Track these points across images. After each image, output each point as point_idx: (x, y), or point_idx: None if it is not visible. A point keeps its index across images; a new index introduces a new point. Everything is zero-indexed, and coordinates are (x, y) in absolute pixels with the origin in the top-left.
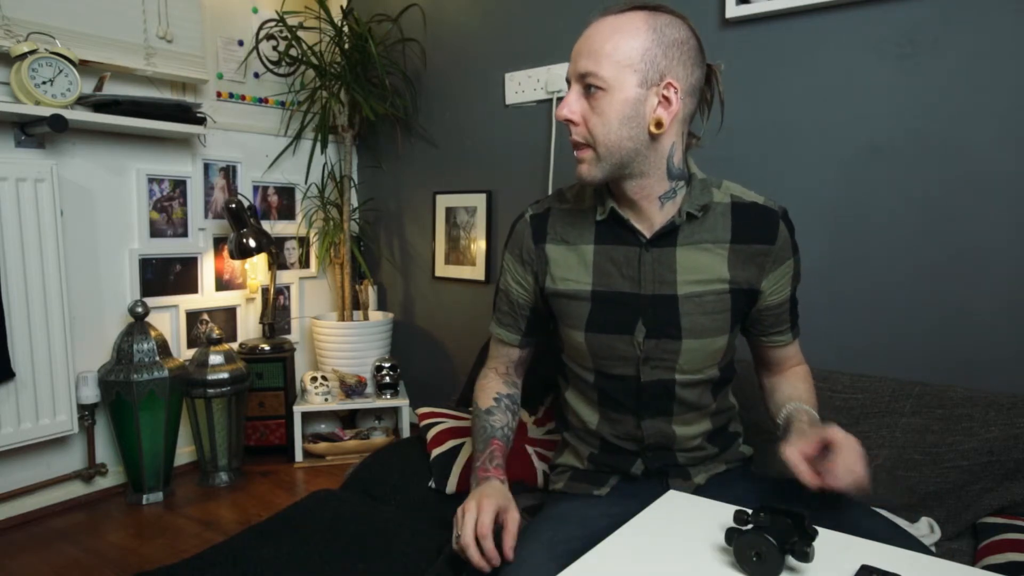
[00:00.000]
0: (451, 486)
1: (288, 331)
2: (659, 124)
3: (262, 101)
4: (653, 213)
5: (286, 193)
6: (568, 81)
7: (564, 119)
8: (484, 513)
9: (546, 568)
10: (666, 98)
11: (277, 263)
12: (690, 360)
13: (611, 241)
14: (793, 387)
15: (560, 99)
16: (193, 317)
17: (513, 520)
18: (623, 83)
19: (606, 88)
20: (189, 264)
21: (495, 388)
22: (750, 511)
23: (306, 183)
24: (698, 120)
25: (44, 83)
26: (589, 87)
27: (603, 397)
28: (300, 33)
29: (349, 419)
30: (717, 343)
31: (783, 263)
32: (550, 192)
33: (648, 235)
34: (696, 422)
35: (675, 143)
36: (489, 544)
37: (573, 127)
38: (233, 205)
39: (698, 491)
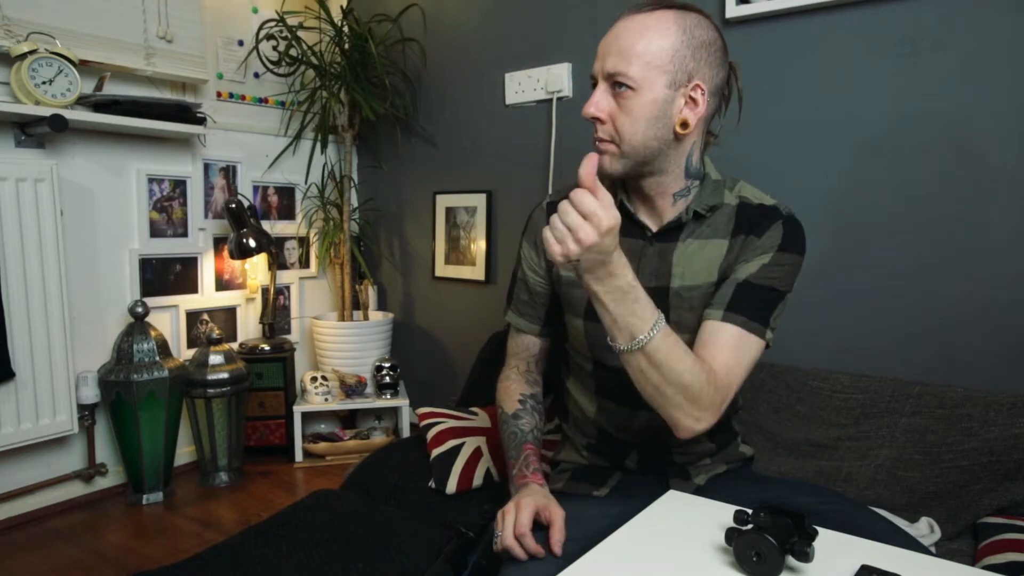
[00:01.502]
0: (451, 486)
1: (288, 331)
2: (684, 125)
3: (262, 101)
4: (664, 209)
5: (286, 193)
6: (593, 78)
7: (591, 117)
8: (522, 513)
9: (545, 568)
10: (692, 99)
11: (277, 263)
12: None
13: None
14: (678, 339)
15: (560, 99)
16: (193, 317)
17: (558, 515)
18: (652, 83)
19: (635, 88)
20: (189, 264)
21: (518, 389)
22: (750, 511)
23: (306, 183)
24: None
25: (44, 83)
26: (617, 85)
27: (599, 386)
28: (300, 33)
29: (349, 419)
30: None
31: (761, 253)
32: (550, 192)
33: (654, 229)
34: None
35: (695, 142)
36: (529, 541)
37: (599, 125)
38: (233, 205)
39: (698, 492)
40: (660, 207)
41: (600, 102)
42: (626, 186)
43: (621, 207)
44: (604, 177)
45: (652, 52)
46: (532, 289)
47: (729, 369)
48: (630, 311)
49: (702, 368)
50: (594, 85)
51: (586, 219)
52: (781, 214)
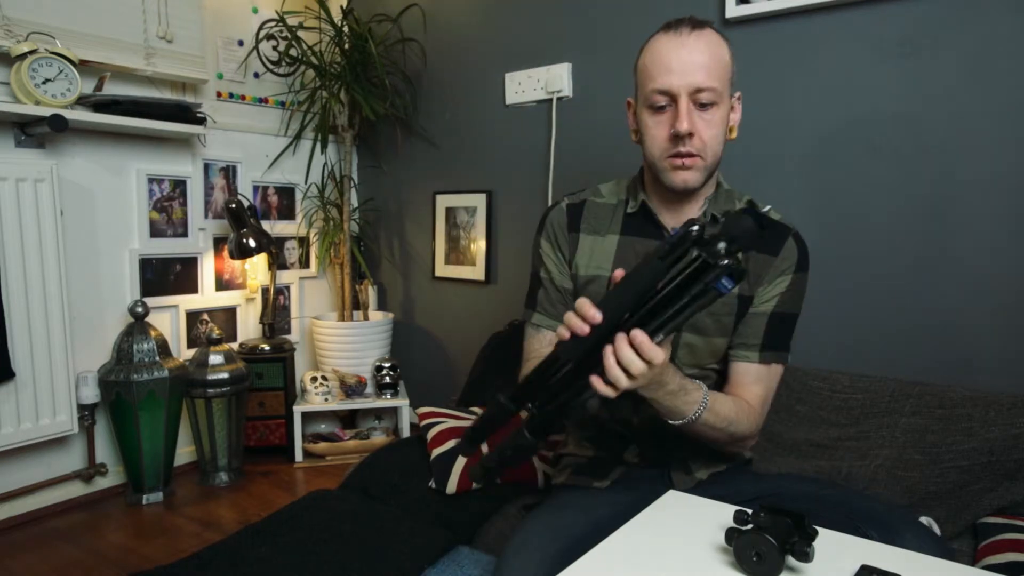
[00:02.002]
0: (451, 486)
1: (288, 331)
2: (731, 131)
3: (262, 101)
4: (690, 212)
5: (286, 193)
6: (668, 95)
7: (687, 132)
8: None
9: (547, 551)
10: (733, 108)
11: (277, 263)
12: (689, 353)
13: (636, 233)
14: (724, 397)
15: (560, 99)
16: (193, 317)
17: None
18: (725, 96)
19: (718, 102)
20: (189, 264)
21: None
22: (750, 511)
23: (306, 183)
24: None
25: (44, 83)
26: (702, 100)
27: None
28: (300, 33)
29: (349, 419)
30: (717, 343)
31: (780, 276)
32: (550, 192)
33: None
34: None
35: None
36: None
37: (689, 140)
38: (233, 205)
39: (699, 485)
40: (686, 209)
41: (692, 117)
42: (645, 186)
43: (642, 207)
44: (683, 191)
45: (724, 67)
46: (560, 286)
47: (765, 399)
48: (682, 402)
49: (742, 411)
50: (661, 106)
51: (646, 362)
52: (790, 230)
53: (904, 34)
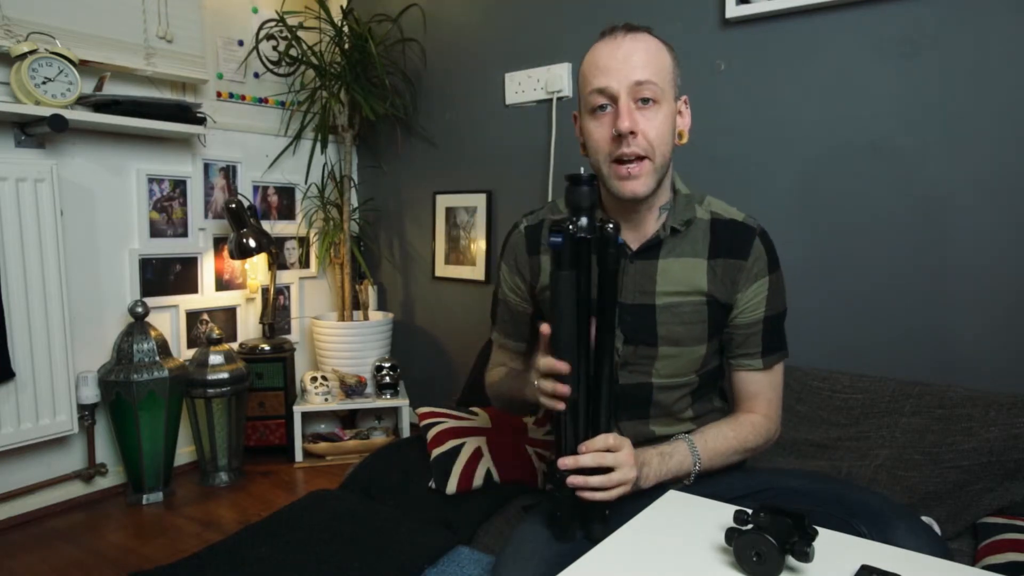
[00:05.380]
0: (451, 486)
1: (288, 331)
2: (681, 135)
3: (262, 101)
4: (648, 224)
5: (286, 193)
6: (609, 95)
7: (629, 130)
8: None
9: (544, 550)
10: (681, 112)
11: (277, 263)
12: (667, 366)
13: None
14: (719, 430)
15: (560, 99)
16: (193, 317)
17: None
18: (669, 95)
19: (660, 100)
20: (189, 264)
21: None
22: (750, 511)
23: (306, 183)
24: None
25: (44, 83)
26: (643, 99)
27: None
28: (300, 33)
29: (349, 419)
30: (695, 352)
31: (757, 280)
32: (550, 193)
33: (634, 247)
34: (674, 425)
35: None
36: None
37: (632, 139)
38: (233, 205)
39: (692, 484)
40: (643, 223)
41: (634, 115)
42: (601, 199)
43: (602, 224)
44: (632, 200)
45: (665, 67)
46: (514, 310)
47: (776, 398)
48: (676, 464)
49: (743, 430)
50: (601, 106)
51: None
52: (754, 231)
53: (904, 34)
